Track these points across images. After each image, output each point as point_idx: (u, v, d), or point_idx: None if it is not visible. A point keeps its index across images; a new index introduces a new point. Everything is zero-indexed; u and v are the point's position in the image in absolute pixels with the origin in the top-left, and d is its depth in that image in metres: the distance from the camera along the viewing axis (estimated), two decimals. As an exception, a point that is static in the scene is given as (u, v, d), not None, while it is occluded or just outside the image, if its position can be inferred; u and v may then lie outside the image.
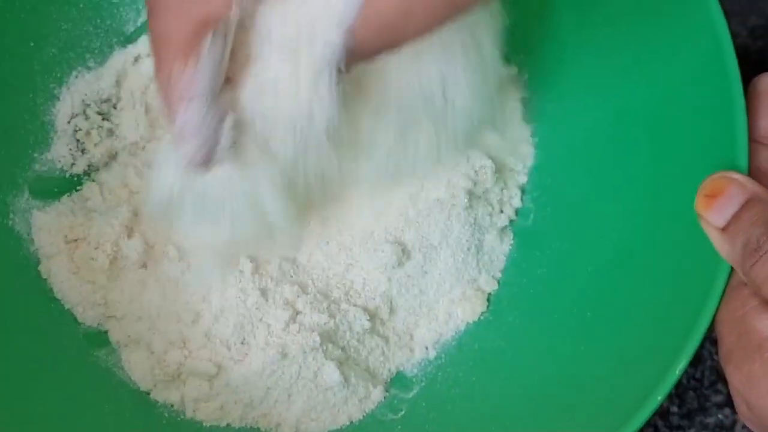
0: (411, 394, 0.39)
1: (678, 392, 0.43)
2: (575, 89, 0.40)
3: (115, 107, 0.41)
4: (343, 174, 0.33)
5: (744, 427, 0.42)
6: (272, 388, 0.37)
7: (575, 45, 0.39)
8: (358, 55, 0.27)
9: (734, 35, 0.36)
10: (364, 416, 0.39)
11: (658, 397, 0.31)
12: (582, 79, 0.40)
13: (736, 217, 0.32)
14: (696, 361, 0.43)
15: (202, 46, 0.26)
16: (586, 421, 0.34)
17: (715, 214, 0.32)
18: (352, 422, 0.38)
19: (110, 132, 0.41)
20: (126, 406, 0.37)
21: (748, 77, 0.34)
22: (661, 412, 0.42)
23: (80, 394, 0.37)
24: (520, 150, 0.42)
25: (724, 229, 0.32)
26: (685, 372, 0.32)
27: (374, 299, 0.39)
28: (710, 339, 0.42)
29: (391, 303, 0.39)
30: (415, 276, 0.39)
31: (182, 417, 0.38)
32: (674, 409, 0.42)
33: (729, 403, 0.42)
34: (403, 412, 0.39)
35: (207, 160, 0.29)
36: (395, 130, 0.35)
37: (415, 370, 0.40)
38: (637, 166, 0.37)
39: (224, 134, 0.28)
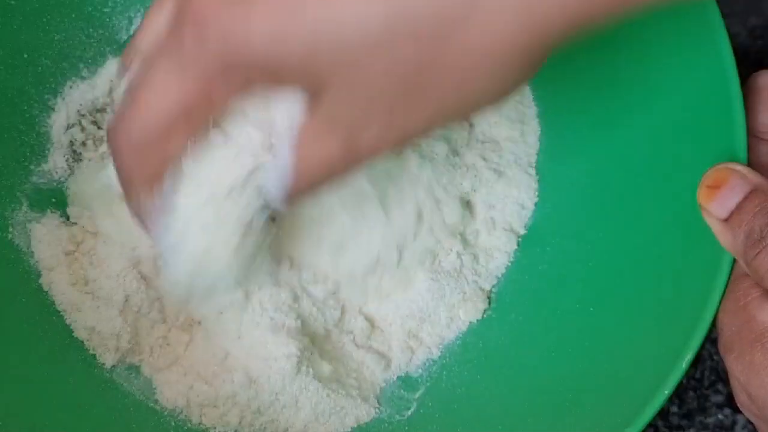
0: (417, 395, 0.40)
1: (678, 392, 0.43)
2: (576, 86, 0.40)
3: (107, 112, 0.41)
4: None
5: (744, 427, 0.42)
6: (280, 393, 0.38)
7: (576, 45, 0.39)
8: (299, 196, 0.31)
9: (734, 35, 0.36)
10: (371, 419, 0.39)
11: (666, 391, 0.31)
12: (581, 76, 0.39)
13: (738, 208, 0.32)
14: (696, 361, 0.43)
15: (164, 176, 0.31)
16: (594, 417, 0.34)
17: (717, 205, 0.32)
18: (359, 424, 0.39)
19: (104, 140, 0.41)
20: (132, 415, 0.37)
21: (748, 77, 0.34)
22: (661, 412, 0.42)
23: (85, 405, 0.37)
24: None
25: (726, 220, 0.32)
26: (686, 373, 0.32)
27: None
28: (710, 339, 0.42)
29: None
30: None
31: (189, 424, 0.38)
32: (674, 409, 0.43)
33: (729, 403, 0.42)
34: (409, 413, 0.39)
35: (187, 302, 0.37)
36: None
37: (420, 370, 0.40)
38: (637, 162, 0.37)
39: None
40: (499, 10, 0.25)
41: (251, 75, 0.27)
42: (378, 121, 0.27)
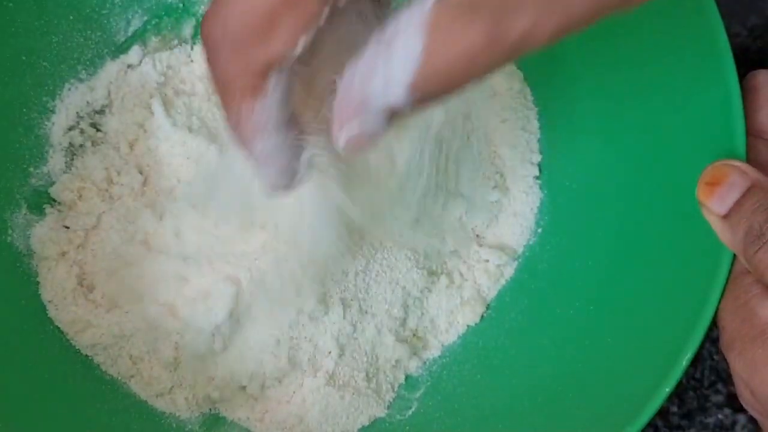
0: (418, 394, 0.40)
1: (678, 392, 0.43)
2: (575, 87, 0.40)
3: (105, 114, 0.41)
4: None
5: (744, 426, 0.42)
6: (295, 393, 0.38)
7: (576, 43, 0.39)
8: (428, 97, 0.25)
9: (734, 35, 0.36)
10: (374, 420, 0.39)
11: (666, 390, 0.31)
12: (581, 76, 0.39)
13: (737, 204, 0.32)
14: (696, 361, 0.43)
15: (268, 85, 0.26)
16: (595, 416, 0.34)
17: (716, 202, 0.32)
18: (363, 425, 0.39)
19: (103, 142, 0.41)
20: (132, 417, 0.37)
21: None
22: (661, 412, 0.42)
23: (84, 406, 0.37)
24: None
25: (725, 217, 0.32)
26: (685, 372, 0.32)
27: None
28: (710, 338, 0.42)
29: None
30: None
31: (190, 426, 0.38)
32: (674, 409, 0.43)
33: (729, 403, 0.42)
34: (410, 412, 0.39)
35: (287, 185, 0.30)
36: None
37: (421, 370, 0.40)
38: (637, 161, 0.37)
39: (302, 166, 0.29)
40: None
41: None
42: (532, 4, 0.23)
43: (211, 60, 0.26)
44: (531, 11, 0.23)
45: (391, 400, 0.39)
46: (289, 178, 0.29)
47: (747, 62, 0.35)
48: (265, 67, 0.25)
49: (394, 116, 0.25)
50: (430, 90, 0.24)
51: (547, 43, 0.24)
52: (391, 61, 0.24)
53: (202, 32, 0.26)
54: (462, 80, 0.24)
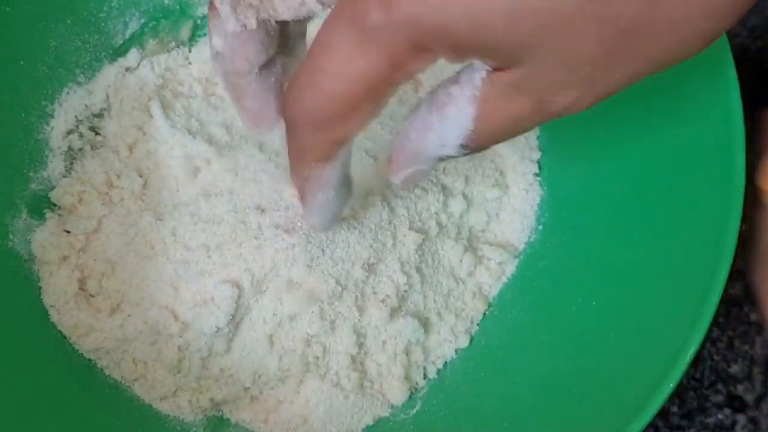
0: (421, 393, 0.40)
1: (678, 392, 0.43)
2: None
3: (104, 117, 0.41)
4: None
5: (744, 427, 0.42)
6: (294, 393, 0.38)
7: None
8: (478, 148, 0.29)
9: (734, 35, 0.36)
10: (378, 420, 0.39)
11: (667, 389, 0.31)
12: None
13: None
14: (696, 361, 0.43)
15: (339, 153, 0.29)
16: (597, 415, 0.34)
17: None
18: (367, 425, 0.39)
19: (102, 146, 0.41)
20: (136, 420, 0.37)
21: (747, 77, 0.33)
22: (662, 412, 0.42)
23: (89, 414, 0.37)
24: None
25: None
26: (686, 372, 0.32)
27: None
28: (710, 339, 0.42)
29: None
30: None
31: (194, 428, 0.38)
32: (674, 409, 0.43)
33: (729, 403, 0.42)
34: (414, 411, 0.39)
35: (328, 228, 0.36)
36: None
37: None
38: (637, 162, 0.37)
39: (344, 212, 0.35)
40: None
41: (441, 52, 0.25)
42: (576, 86, 0.25)
43: (291, 131, 0.29)
44: (574, 91, 0.26)
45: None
46: (333, 223, 0.35)
47: (747, 62, 0.35)
48: (341, 141, 0.29)
49: (443, 159, 0.29)
50: (478, 146, 0.28)
51: (585, 109, 0.27)
52: (444, 123, 0.27)
53: (285, 106, 0.29)
54: (506, 138, 0.28)
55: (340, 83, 0.26)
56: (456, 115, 0.27)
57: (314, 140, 0.29)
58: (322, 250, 0.37)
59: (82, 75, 0.41)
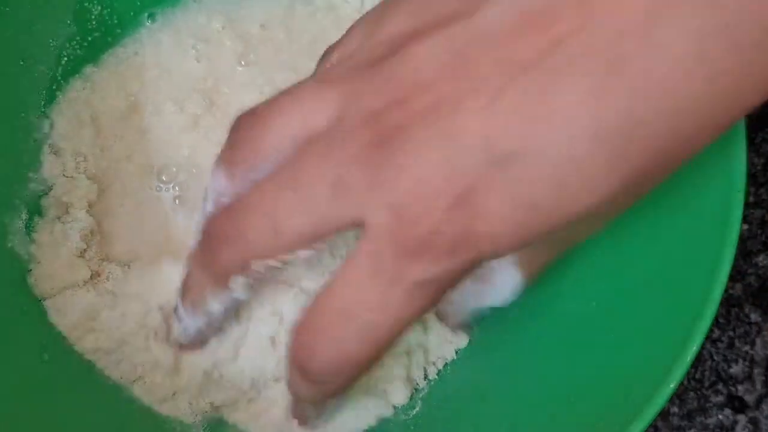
0: (422, 394, 0.40)
1: (678, 393, 0.43)
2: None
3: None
4: None
5: (744, 427, 0.42)
6: None
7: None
8: None
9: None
10: (380, 420, 0.39)
11: (671, 385, 0.31)
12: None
13: None
14: (696, 361, 0.43)
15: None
16: (599, 412, 0.33)
17: None
18: (369, 425, 0.39)
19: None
20: (136, 422, 0.37)
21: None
22: (662, 413, 0.42)
23: (89, 415, 0.37)
24: None
25: None
26: (686, 373, 0.32)
27: None
28: (710, 339, 0.42)
29: None
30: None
31: (194, 430, 0.38)
32: (674, 409, 0.43)
33: (729, 403, 0.42)
34: (414, 412, 0.39)
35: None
36: None
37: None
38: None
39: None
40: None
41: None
42: (587, 231, 0.31)
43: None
44: (589, 232, 0.31)
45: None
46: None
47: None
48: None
49: None
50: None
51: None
52: (495, 288, 0.33)
53: (292, 350, 0.29)
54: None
55: (367, 344, 0.25)
56: (505, 280, 0.32)
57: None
58: None
59: (82, 75, 0.41)
